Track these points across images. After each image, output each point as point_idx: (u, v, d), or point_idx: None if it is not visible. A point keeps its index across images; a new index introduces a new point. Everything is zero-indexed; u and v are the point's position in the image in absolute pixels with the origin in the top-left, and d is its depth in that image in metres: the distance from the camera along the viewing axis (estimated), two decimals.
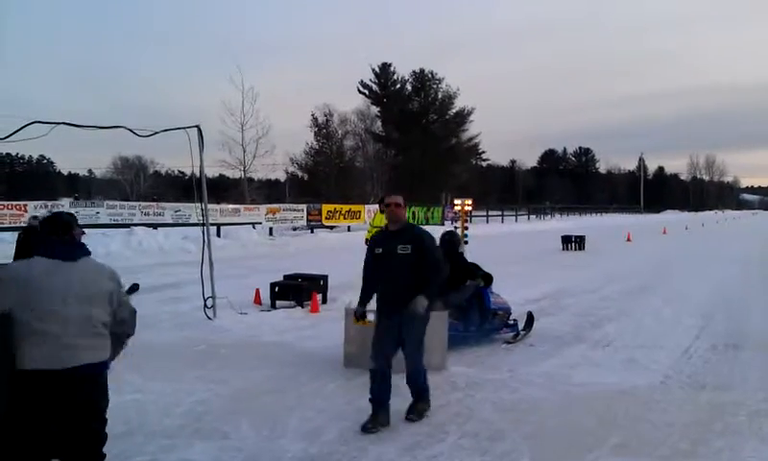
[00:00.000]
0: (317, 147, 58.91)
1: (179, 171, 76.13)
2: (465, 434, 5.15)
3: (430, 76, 62.87)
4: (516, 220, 53.31)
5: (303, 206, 31.85)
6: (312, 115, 58.21)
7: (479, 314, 8.38)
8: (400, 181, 55.77)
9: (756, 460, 4.70)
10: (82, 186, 76.89)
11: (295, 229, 30.66)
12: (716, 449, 4.89)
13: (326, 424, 5.33)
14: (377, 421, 5.23)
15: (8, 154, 77.79)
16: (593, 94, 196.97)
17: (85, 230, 4.13)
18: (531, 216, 59.68)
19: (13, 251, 11.12)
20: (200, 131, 9.68)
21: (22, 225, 17.25)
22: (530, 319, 9.22)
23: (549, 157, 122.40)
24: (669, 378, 6.88)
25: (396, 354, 5.41)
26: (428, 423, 5.40)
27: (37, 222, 11.47)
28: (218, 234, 24.04)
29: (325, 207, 32.72)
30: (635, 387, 6.51)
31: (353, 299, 11.16)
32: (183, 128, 9.50)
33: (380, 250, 5.48)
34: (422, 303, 5.25)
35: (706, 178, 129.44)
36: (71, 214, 3.73)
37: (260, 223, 28.07)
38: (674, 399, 6.17)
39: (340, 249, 23.23)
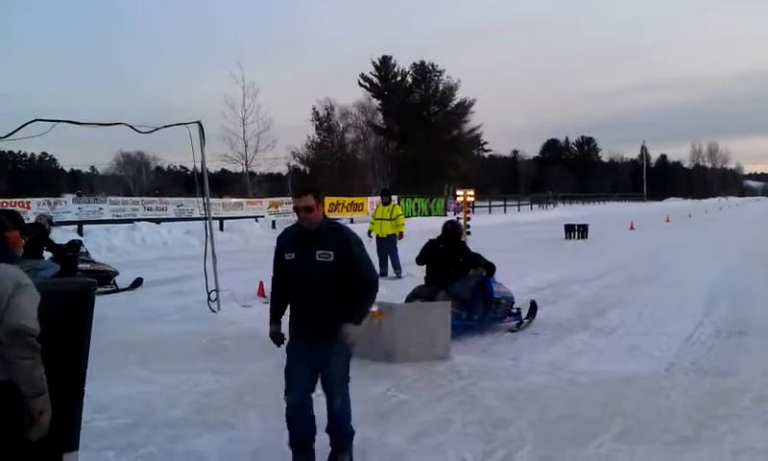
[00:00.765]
0: (318, 140, 59.00)
1: (181, 166, 76.11)
2: (469, 422, 5.18)
3: (431, 68, 62.76)
4: (519, 210, 53.23)
5: None
6: (313, 109, 58.32)
7: (482, 303, 8.41)
8: (402, 173, 55.78)
9: (761, 444, 4.71)
10: (84, 183, 77.12)
11: None
12: (720, 434, 4.90)
13: None
14: None
15: (10, 151, 78.03)
16: (595, 83, 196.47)
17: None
18: (533, 206, 59.59)
19: None
20: (201, 126, 9.68)
21: (27, 222, 17.30)
22: (533, 307, 9.24)
23: (551, 146, 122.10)
24: (673, 365, 6.90)
25: (316, 384, 4.21)
26: (433, 411, 5.43)
27: (45, 220, 11.56)
28: (221, 228, 24.08)
29: (328, 200, 32.68)
30: (638, 374, 6.53)
31: None
32: (184, 124, 9.51)
33: (292, 255, 4.16)
34: (355, 332, 4.07)
35: (708, 165, 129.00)
36: (13, 215, 3.49)
37: (263, 216, 28.10)
38: (678, 385, 6.18)
39: None
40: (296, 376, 4.13)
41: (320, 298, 4.08)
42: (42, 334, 3.16)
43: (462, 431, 4.99)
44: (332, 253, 4.05)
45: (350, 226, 33.39)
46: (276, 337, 4.28)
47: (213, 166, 52.42)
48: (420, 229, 20.06)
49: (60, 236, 14.41)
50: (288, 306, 4.30)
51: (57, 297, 3.37)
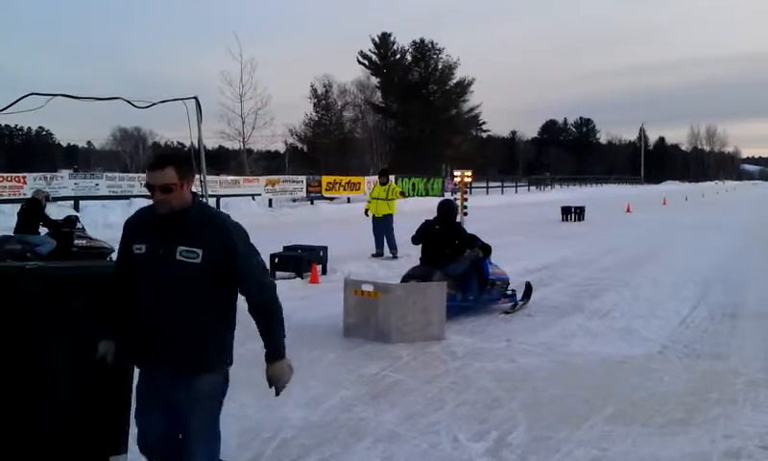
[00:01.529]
0: (316, 118, 58.70)
1: (178, 142, 75.88)
2: (462, 403, 5.21)
3: (430, 46, 62.37)
4: (516, 191, 53.25)
5: (303, 178, 31.79)
6: (311, 86, 57.98)
7: (478, 284, 8.42)
8: (400, 153, 55.61)
9: (752, 429, 4.74)
10: (81, 158, 76.73)
11: (294, 200, 30.65)
12: (712, 418, 4.94)
13: (327, 392, 5.39)
14: None
15: (6, 125, 77.67)
16: (595, 64, 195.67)
17: None
18: (531, 187, 59.60)
19: (14, 223, 11.17)
20: (198, 102, 9.66)
21: (22, 197, 17.26)
22: (528, 289, 9.26)
23: (550, 127, 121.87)
24: (666, 348, 6.94)
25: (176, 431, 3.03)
26: (427, 391, 5.46)
27: (42, 195, 11.53)
28: (217, 206, 24.04)
29: (325, 179, 32.65)
30: (631, 356, 6.57)
31: (353, 270, 11.27)
32: (181, 99, 9.48)
33: (142, 248, 2.93)
34: (283, 371, 3.07)
35: (706, 148, 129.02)
36: None
37: (260, 194, 28.05)
38: (670, 368, 6.22)
39: (340, 220, 23.25)
40: (150, 424, 3.02)
41: (177, 316, 2.88)
42: (88, 327, 3.08)
43: (455, 412, 5.02)
44: (200, 252, 2.86)
45: (347, 205, 32.89)
46: (105, 359, 3.07)
47: (210, 143, 52.36)
48: (417, 208, 20.06)
49: (57, 212, 14.37)
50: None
51: (101, 281, 3.15)
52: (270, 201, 28.22)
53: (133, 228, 3.02)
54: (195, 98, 9.60)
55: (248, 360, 6.34)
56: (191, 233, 2.88)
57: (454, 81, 62.67)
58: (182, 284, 2.87)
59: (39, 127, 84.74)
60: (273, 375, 3.05)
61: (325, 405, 5.11)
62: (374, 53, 62.23)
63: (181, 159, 2.97)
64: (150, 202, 2.93)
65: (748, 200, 48.21)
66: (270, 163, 54.35)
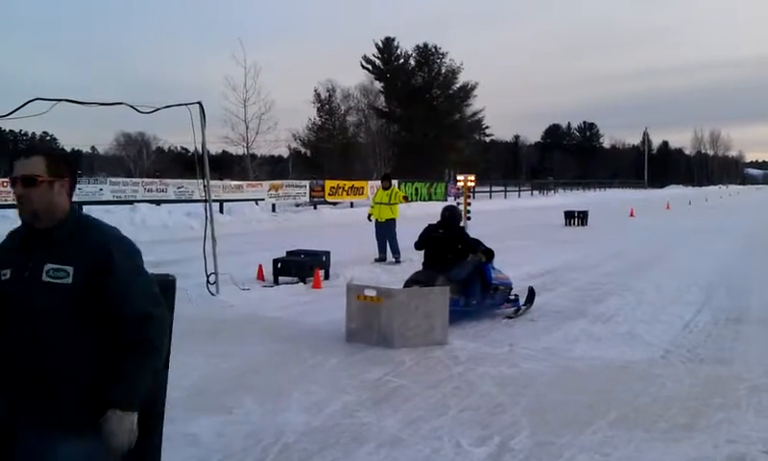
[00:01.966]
0: (319, 123, 58.88)
1: (181, 147, 76.00)
2: (465, 408, 5.20)
3: (434, 50, 62.50)
4: (520, 195, 53.12)
5: (306, 183, 31.80)
6: (315, 91, 58.15)
7: (480, 289, 8.42)
8: (403, 157, 55.68)
9: (755, 433, 4.73)
10: (85, 163, 76.91)
11: (297, 205, 30.66)
12: (715, 423, 4.92)
13: (329, 397, 5.38)
14: None
15: (11, 131, 77.84)
16: (597, 69, 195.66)
17: None
18: (534, 192, 59.52)
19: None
20: (201, 107, 9.65)
21: None
22: (531, 294, 9.25)
23: (553, 132, 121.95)
24: (669, 353, 6.92)
25: None
26: (430, 396, 5.45)
27: None
28: (221, 211, 24.07)
29: (328, 184, 32.66)
30: (635, 361, 6.55)
31: (355, 275, 11.27)
32: (185, 104, 9.48)
33: (7, 274, 2.32)
34: (124, 427, 2.26)
35: (710, 152, 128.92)
36: None
37: (263, 199, 28.06)
38: (674, 373, 6.20)
39: (343, 225, 23.26)
40: None
41: (41, 352, 2.24)
42: None
43: (458, 417, 5.01)
44: (71, 269, 2.26)
45: (350, 210, 32.85)
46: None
47: (214, 148, 52.48)
48: (420, 213, 20.07)
49: None
50: None
51: None
52: (273, 205, 28.22)
53: (2, 251, 2.41)
54: (199, 103, 9.60)
55: (248, 365, 6.35)
56: (61, 247, 2.29)
57: (457, 85, 62.78)
58: (53, 315, 2.24)
59: (44, 132, 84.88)
60: (111, 428, 2.25)
61: (328, 410, 5.10)
62: (378, 57, 62.37)
63: (57, 153, 2.45)
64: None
65: (752, 204, 48.14)
66: (273, 168, 54.49)
